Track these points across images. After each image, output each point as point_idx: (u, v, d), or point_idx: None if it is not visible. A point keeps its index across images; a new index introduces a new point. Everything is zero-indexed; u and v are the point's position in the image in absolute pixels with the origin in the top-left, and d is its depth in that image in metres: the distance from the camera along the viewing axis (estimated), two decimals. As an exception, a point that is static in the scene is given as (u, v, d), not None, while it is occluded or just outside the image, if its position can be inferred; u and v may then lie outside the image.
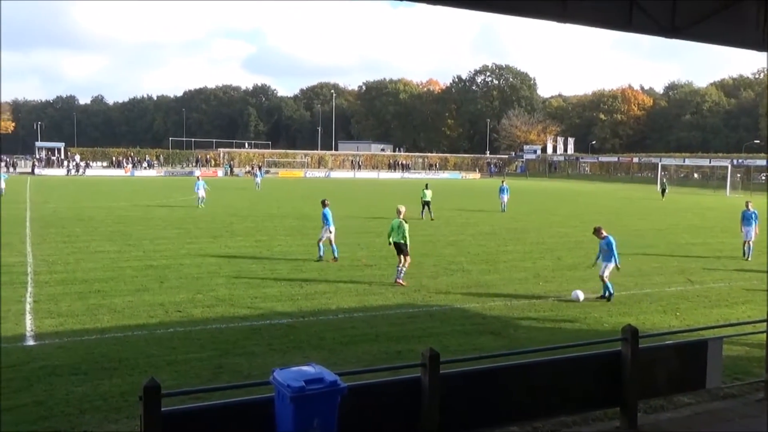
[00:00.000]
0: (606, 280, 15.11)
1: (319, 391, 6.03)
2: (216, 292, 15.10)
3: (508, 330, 12.51)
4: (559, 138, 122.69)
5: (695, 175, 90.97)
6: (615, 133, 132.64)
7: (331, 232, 19.46)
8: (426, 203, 32.98)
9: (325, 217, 19.46)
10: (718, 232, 29.92)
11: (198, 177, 42.55)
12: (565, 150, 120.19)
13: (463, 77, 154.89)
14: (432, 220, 31.38)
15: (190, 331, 11.93)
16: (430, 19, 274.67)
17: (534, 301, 14.95)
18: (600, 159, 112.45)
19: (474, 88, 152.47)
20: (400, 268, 16.44)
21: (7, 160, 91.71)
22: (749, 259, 21.43)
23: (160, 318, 12.79)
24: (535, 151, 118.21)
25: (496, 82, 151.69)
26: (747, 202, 22.85)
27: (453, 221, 32.11)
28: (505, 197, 37.69)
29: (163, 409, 5.66)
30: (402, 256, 16.48)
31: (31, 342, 11.21)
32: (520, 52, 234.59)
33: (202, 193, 37.37)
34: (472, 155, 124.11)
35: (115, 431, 7.68)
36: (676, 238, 27.28)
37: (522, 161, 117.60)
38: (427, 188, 33.39)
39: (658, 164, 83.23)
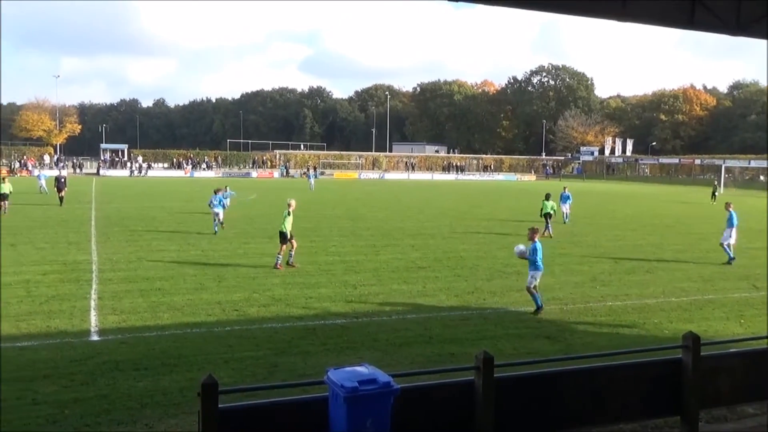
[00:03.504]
0: (534, 291, 13.75)
1: (373, 392, 6.06)
2: (272, 291, 15.33)
3: (564, 334, 12.32)
4: (617, 139, 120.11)
5: (761, 177, 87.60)
6: (676, 134, 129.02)
7: None
8: (547, 216, 27.39)
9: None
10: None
11: (217, 191, 26.72)
12: (624, 151, 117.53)
13: (519, 78, 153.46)
14: (550, 237, 25.94)
15: (246, 330, 12.15)
16: (489, 20, 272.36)
17: (591, 305, 14.68)
18: (660, 161, 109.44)
19: (530, 88, 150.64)
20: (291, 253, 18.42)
21: (75, 161, 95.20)
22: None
23: (217, 316, 13.07)
24: (592, 153, 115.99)
25: (553, 82, 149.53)
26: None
27: (508, 224, 31.76)
28: (567, 206, 31.91)
29: (220, 405, 5.78)
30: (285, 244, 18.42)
31: (95, 337, 11.61)
32: (578, 53, 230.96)
33: (219, 212, 26.07)
34: (527, 157, 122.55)
35: (174, 426, 7.88)
36: (738, 242, 26.32)
37: (579, 163, 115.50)
38: (548, 199, 27.67)
39: (721, 166, 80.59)
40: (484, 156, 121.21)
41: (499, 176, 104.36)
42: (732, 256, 20.81)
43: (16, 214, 31.17)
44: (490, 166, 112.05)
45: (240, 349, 10.94)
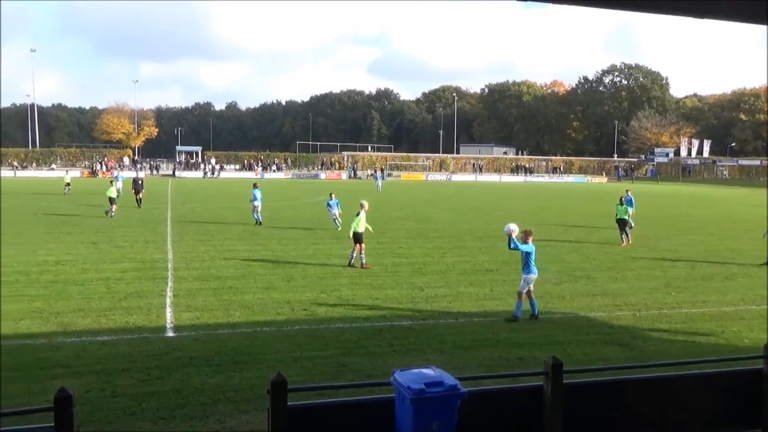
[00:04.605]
0: (531, 296, 13.29)
1: (439, 395, 6.07)
2: (339, 292, 15.51)
3: (637, 341, 11.98)
4: (693, 140, 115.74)
5: None
6: (757, 134, 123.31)
7: None
8: (621, 222, 25.15)
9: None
10: None
11: (255, 184, 30.75)
12: (700, 153, 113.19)
13: (590, 78, 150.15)
14: (629, 243, 24.58)
15: (314, 330, 12.33)
16: (558, 19, 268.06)
17: (665, 312, 14.22)
18: (740, 162, 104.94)
19: (601, 89, 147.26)
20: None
21: (152, 162, 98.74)
22: None
23: (286, 315, 13.31)
24: (667, 154, 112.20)
25: (625, 82, 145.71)
26: None
27: (578, 228, 31.14)
28: (630, 211, 27.16)
29: (289, 403, 5.89)
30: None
31: (170, 333, 12.01)
32: (652, 51, 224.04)
33: (336, 212, 28.09)
34: (598, 158, 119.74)
35: (245, 422, 8.08)
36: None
37: (653, 164, 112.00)
38: (621, 204, 25.64)
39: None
40: (553, 157, 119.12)
41: (569, 178, 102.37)
42: None
43: (98, 213, 32.54)
44: (560, 168, 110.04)
45: (308, 348, 11.11)
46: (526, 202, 48.60)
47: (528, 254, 13.19)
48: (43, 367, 9.90)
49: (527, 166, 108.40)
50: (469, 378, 7.59)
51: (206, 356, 10.55)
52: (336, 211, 27.84)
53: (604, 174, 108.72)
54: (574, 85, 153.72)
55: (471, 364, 10.30)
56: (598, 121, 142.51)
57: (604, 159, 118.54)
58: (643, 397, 7.04)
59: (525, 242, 13.30)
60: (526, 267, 13.24)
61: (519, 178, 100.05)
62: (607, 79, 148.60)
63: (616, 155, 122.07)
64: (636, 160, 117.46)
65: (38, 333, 11.75)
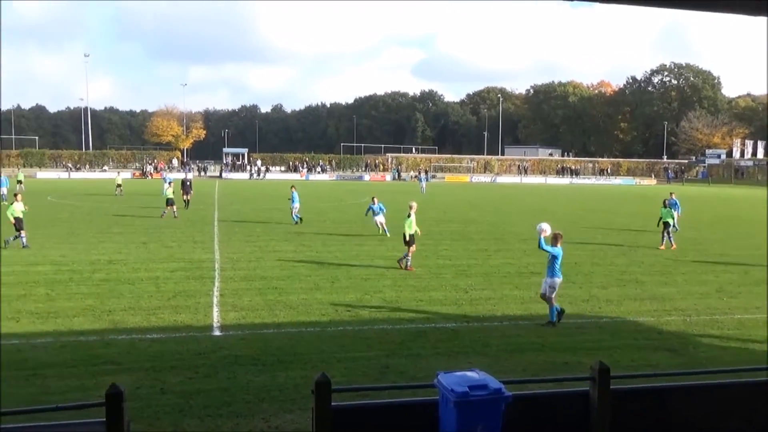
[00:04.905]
0: (552, 302, 12.93)
1: (483, 398, 6.04)
2: (383, 293, 15.54)
3: (687, 348, 11.70)
4: (746, 141, 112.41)
5: None
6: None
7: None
8: (666, 225, 24.28)
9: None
10: None
11: (292, 187, 30.99)
12: (755, 154, 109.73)
13: (638, 78, 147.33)
14: (673, 247, 23.81)
15: (358, 331, 12.38)
16: (606, 19, 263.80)
17: (717, 318, 13.85)
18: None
19: (650, 89, 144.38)
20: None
21: (199, 164, 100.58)
22: None
23: (331, 316, 13.40)
24: (719, 156, 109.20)
25: (675, 81, 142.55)
26: None
27: (626, 231, 30.56)
28: (675, 214, 26.88)
29: (333, 403, 5.93)
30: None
31: (217, 332, 12.22)
32: (704, 50, 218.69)
33: (297, 206, 30.00)
34: (647, 160, 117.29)
35: (289, 421, 8.16)
36: None
37: (704, 166, 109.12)
38: (665, 206, 24.94)
39: None
40: (600, 159, 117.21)
41: (617, 180, 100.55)
42: None
43: (149, 214, 33.27)
44: (607, 170, 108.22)
45: (352, 349, 11.16)
46: (572, 204, 47.93)
47: (554, 257, 12.92)
48: (95, 364, 10.18)
49: (573, 167, 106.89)
50: (514, 382, 7.53)
51: (252, 355, 10.69)
52: (381, 217, 26.30)
53: (653, 176, 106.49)
54: (621, 86, 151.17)
55: (516, 368, 10.20)
56: (646, 122, 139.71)
57: (653, 160, 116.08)
58: (693, 405, 6.87)
59: (554, 245, 13.00)
60: (550, 270, 12.98)
61: (565, 180, 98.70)
62: (656, 79, 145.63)
63: (665, 157, 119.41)
64: (686, 161, 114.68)
65: (91, 330, 12.09)
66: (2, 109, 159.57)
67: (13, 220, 21.59)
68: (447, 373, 6.36)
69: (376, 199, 26.79)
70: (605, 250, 23.46)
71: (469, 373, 6.37)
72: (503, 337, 12.09)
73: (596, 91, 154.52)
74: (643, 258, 21.82)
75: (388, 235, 25.30)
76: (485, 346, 11.54)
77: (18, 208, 21.79)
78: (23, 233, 21.62)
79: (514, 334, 12.38)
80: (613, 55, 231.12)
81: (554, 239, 13.04)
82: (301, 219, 29.69)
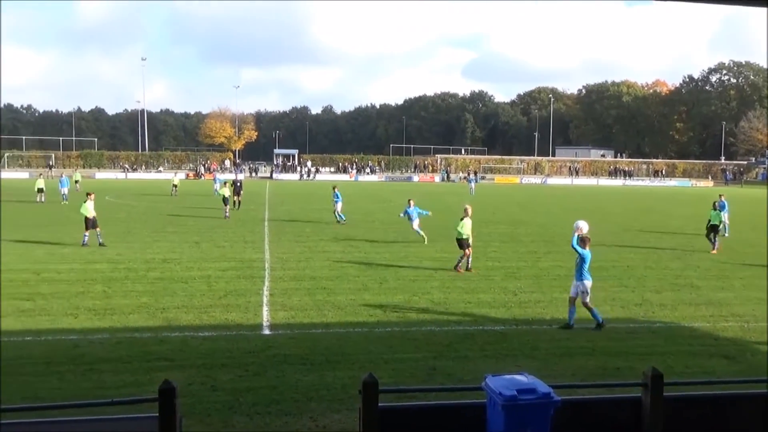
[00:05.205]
0: (573, 303, 12.75)
1: (532, 402, 5.97)
2: (431, 295, 15.51)
3: (745, 355, 11.34)
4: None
5: None
6: None
7: None
8: (713, 228, 23.82)
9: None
10: None
11: (334, 188, 31.92)
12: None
13: (695, 77, 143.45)
14: (719, 250, 23.20)
15: (406, 332, 12.38)
16: (661, 16, 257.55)
17: (776, 325, 13.37)
18: None
19: (707, 88, 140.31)
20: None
21: (251, 165, 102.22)
22: None
23: (378, 317, 13.44)
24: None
25: (734, 80, 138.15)
26: None
27: (681, 234, 29.77)
28: (725, 217, 26.74)
29: (380, 404, 5.95)
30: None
31: (267, 331, 12.39)
32: (764, 48, 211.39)
33: (340, 205, 30.90)
34: (703, 161, 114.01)
35: (337, 421, 8.22)
36: None
37: (764, 168, 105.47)
38: (714, 208, 24.31)
39: None
40: (654, 160, 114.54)
41: (672, 182, 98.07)
42: None
43: (201, 214, 33.95)
44: (662, 171, 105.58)
45: (400, 351, 11.17)
46: (626, 206, 46.96)
47: (582, 260, 12.69)
48: (149, 360, 10.44)
49: (626, 169, 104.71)
50: (563, 386, 7.41)
51: (300, 355, 10.81)
52: (416, 222, 24.85)
53: (710, 177, 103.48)
54: (677, 85, 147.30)
55: (565, 372, 10.05)
56: (703, 122, 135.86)
57: (710, 162, 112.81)
58: (750, 414, 6.66)
59: (582, 248, 12.77)
60: (578, 273, 12.76)
61: (617, 182, 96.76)
62: (714, 78, 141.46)
63: (723, 158, 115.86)
64: (745, 163, 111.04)
65: (145, 327, 12.41)
66: (40, 111, 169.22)
67: (91, 216, 22.38)
68: (495, 376, 6.32)
69: (412, 202, 25.44)
70: (659, 253, 22.92)
71: (517, 377, 6.32)
72: (552, 341, 11.93)
73: (651, 91, 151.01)
74: (698, 262, 21.23)
75: (426, 241, 24.09)
76: (534, 349, 11.41)
77: (89, 207, 22.54)
78: (88, 233, 22.33)
79: (563, 337, 12.21)
80: (668, 53, 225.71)
81: (582, 242, 12.84)
82: (344, 218, 30.24)
